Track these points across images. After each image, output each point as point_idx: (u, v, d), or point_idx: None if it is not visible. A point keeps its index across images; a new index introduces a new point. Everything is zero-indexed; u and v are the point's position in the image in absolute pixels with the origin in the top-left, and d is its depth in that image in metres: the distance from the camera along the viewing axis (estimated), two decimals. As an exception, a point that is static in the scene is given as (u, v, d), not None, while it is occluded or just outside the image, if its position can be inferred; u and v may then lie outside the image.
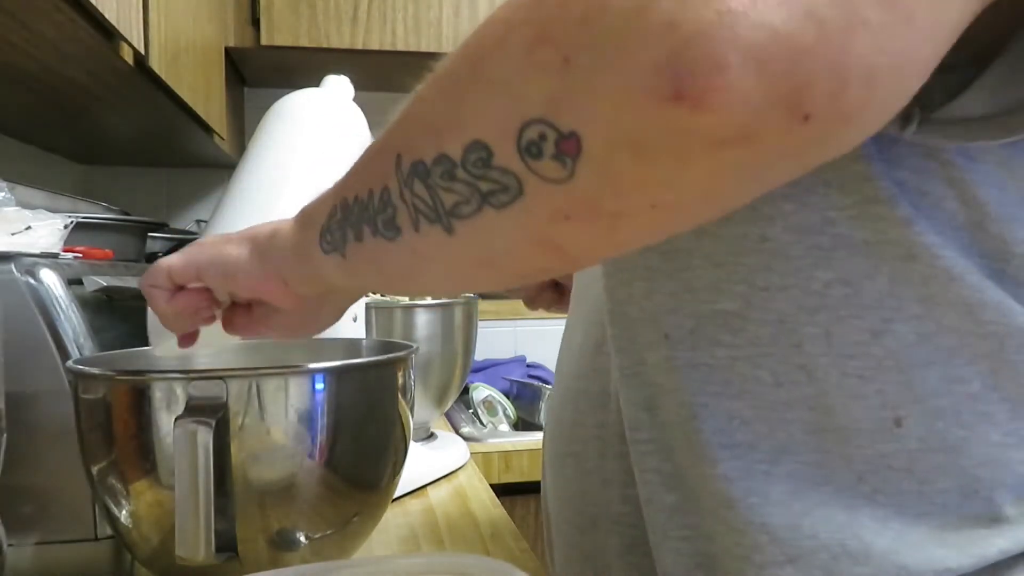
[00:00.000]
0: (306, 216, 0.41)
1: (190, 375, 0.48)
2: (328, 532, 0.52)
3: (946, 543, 0.36)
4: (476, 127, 0.27)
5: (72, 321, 0.59)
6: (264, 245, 0.44)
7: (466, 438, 1.13)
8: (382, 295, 1.05)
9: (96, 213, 0.88)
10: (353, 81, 0.84)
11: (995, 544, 0.36)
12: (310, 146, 0.76)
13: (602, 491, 0.48)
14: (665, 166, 0.24)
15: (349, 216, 0.35)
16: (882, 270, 0.35)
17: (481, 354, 1.54)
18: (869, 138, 0.31)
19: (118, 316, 0.68)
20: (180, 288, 0.48)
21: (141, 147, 1.39)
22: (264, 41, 1.31)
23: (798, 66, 0.21)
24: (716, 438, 0.39)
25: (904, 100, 0.25)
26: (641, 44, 0.22)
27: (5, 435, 0.52)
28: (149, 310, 0.62)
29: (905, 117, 0.32)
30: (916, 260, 0.34)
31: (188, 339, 0.52)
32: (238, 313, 0.50)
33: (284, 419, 0.50)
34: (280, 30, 1.31)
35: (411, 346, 0.59)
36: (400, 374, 0.56)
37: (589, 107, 0.24)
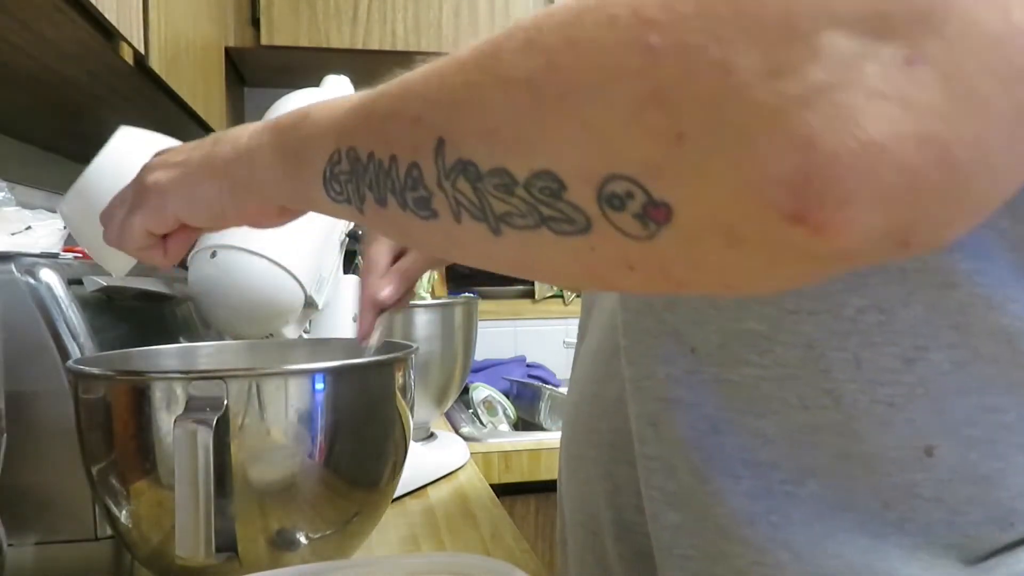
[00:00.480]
0: (291, 147, 0.38)
1: (190, 375, 0.48)
2: (328, 532, 0.52)
3: (977, 573, 0.35)
4: (552, 159, 0.25)
5: (72, 321, 0.59)
6: (239, 175, 0.41)
7: (466, 438, 1.13)
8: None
9: (96, 213, 0.87)
10: (353, 81, 0.84)
11: None
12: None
13: (614, 497, 0.47)
14: (755, 262, 0.23)
15: (362, 174, 0.33)
16: (918, 297, 0.34)
17: (481, 354, 1.54)
18: None
19: (118, 316, 0.68)
20: (164, 236, 0.46)
21: (141, 147, 1.39)
22: (264, 41, 1.31)
23: (921, 205, 0.21)
24: (738, 454, 0.38)
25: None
26: (772, 152, 0.21)
27: (5, 435, 0.52)
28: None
29: None
30: (954, 287, 0.33)
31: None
32: None
33: (284, 419, 0.50)
34: (280, 30, 1.31)
35: (411, 346, 0.59)
36: (400, 374, 0.56)
37: (693, 189, 0.22)
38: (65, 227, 0.68)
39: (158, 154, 0.46)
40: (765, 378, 0.37)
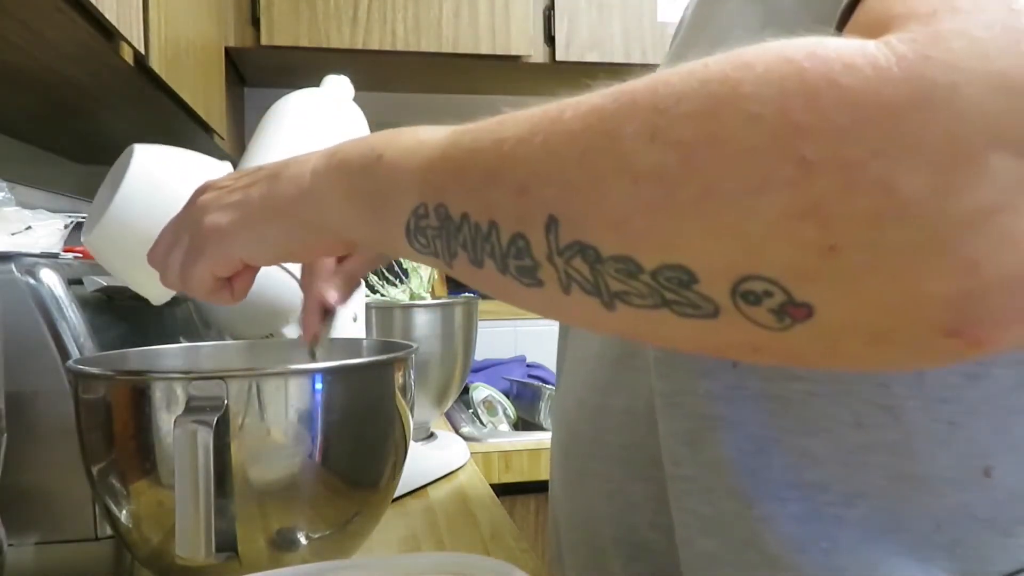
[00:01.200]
0: (365, 192, 0.36)
1: (190, 375, 0.48)
2: (328, 532, 0.52)
3: None
4: (685, 255, 0.24)
5: (72, 321, 0.59)
6: (313, 221, 0.39)
7: (466, 438, 1.13)
8: (382, 295, 1.05)
9: (96, 213, 0.88)
10: (353, 81, 0.84)
11: None
12: (310, 146, 0.75)
13: (626, 515, 0.45)
14: (896, 358, 0.24)
15: (454, 233, 0.31)
16: None
17: (481, 354, 1.54)
18: None
19: (118, 316, 0.68)
20: (230, 278, 0.44)
21: (141, 147, 1.39)
22: (264, 41, 1.31)
23: None
24: (785, 475, 0.36)
25: None
26: (935, 272, 0.21)
27: (5, 435, 0.52)
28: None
29: None
30: None
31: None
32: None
33: (284, 419, 0.50)
34: (280, 30, 1.31)
35: (411, 346, 0.59)
36: (400, 374, 0.56)
37: (841, 296, 0.22)
38: (66, 227, 0.68)
39: (204, 188, 0.44)
40: (816, 394, 0.36)
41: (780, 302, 0.23)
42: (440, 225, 0.32)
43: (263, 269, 0.55)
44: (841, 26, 0.27)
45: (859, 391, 0.35)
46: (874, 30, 0.23)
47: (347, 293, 0.54)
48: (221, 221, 0.42)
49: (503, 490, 1.04)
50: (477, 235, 0.30)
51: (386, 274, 1.07)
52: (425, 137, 0.34)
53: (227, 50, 1.31)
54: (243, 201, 0.42)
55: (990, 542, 0.34)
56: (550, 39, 1.45)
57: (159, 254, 0.45)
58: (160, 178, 0.56)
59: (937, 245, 0.21)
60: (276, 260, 0.43)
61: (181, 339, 0.77)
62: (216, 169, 0.61)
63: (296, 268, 0.67)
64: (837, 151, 0.21)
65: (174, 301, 0.79)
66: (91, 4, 0.62)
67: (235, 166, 0.73)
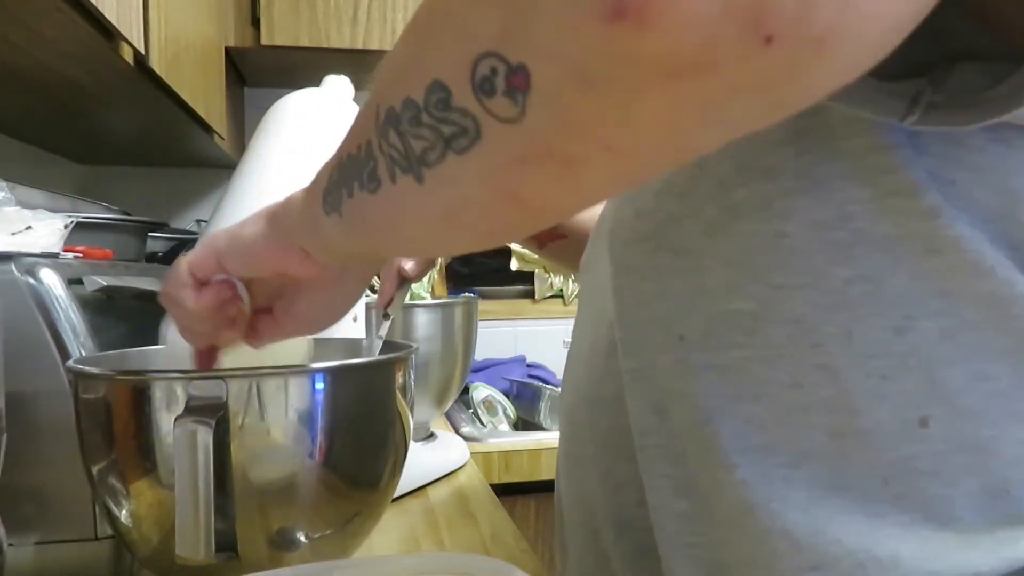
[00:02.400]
0: (313, 182, 0.40)
1: (190, 375, 0.48)
2: (328, 532, 0.52)
3: (976, 547, 0.35)
4: (434, 67, 0.25)
5: (72, 321, 0.59)
6: (278, 215, 0.43)
7: (466, 438, 1.13)
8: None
9: (96, 213, 0.88)
10: (353, 81, 0.84)
11: None
12: (310, 146, 0.75)
13: (615, 495, 0.47)
14: (615, 99, 0.21)
15: (344, 174, 0.34)
16: (903, 265, 0.34)
17: (481, 354, 1.54)
18: (897, 125, 0.31)
19: (118, 316, 0.68)
20: (203, 284, 0.46)
21: (141, 147, 1.39)
22: (264, 41, 1.31)
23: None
24: (733, 443, 0.38)
25: (887, 44, 0.21)
26: None
27: (5, 435, 0.52)
28: (165, 329, 0.61)
29: (913, 100, 0.31)
30: (939, 253, 0.33)
31: (206, 358, 0.50)
32: (260, 319, 0.49)
33: (284, 419, 0.50)
34: (280, 30, 1.31)
35: (411, 346, 0.59)
36: (400, 374, 0.56)
37: (535, 35, 0.21)
38: (66, 227, 0.68)
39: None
40: (754, 359, 0.37)
41: (504, 75, 0.23)
42: (339, 177, 0.35)
43: None
44: None
45: (793, 353, 0.36)
46: None
47: (423, 265, 0.61)
48: (217, 232, 0.47)
49: (503, 490, 1.04)
50: (351, 163, 0.33)
51: (386, 274, 1.07)
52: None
53: (227, 50, 1.31)
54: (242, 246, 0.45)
55: (935, 494, 0.35)
56: (550, 39, 1.45)
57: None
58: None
59: None
60: (242, 261, 0.45)
61: (181, 339, 0.77)
62: None
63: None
64: None
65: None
66: (91, 4, 0.62)
67: (234, 167, 0.74)
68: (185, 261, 0.46)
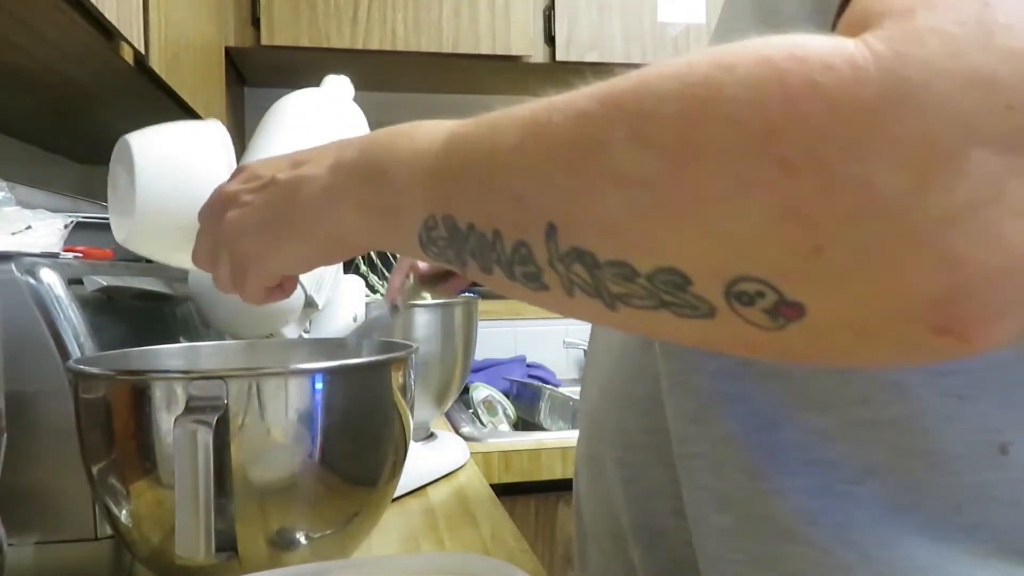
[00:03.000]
0: (377, 208, 0.38)
1: (190, 375, 0.48)
2: (328, 532, 0.52)
3: None
4: (677, 258, 0.25)
5: (72, 321, 0.59)
6: (336, 240, 0.41)
7: (466, 438, 1.13)
8: (382, 295, 1.05)
9: (96, 213, 0.88)
10: (353, 81, 0.84)
11: None
12: (310, 146, 0.75)
13: (648, 501, 0.45)
14: (886, 353, 0.24)
15: (463, 243, 0.32)
16: None
17: (481, 354, 1.54)
18: None
19: (118, 316, 0.68)
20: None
21: (141, 147, 1.39)
22: (264, 41, 1.31)
23: None
24: (794, 453, 0.36)
25: None
26: (919, 269, 0.21)
27: (5, 435, 0.52)
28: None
29: None
30: None
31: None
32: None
33: (284, 419, 0.50)
34: (280, 30, 1.31)
35: (411, 346, 0.59)
36: (400, 374, 0.56)
37: (830, 296, 0.23)
38: (66, 227, 0.68)
39: (225, 200, 0.45)
40: (823, 371, 0.35)
41: (773, 302, 0.24)
42: (449, 236, 0.33)
43: None
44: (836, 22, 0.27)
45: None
46: (857, 28, 0.23)
47: (437, 267, 0.59)
48: (253, 248, 0.44)
49: (503, 490, 1.04)
50: (483, 243, 0.31)
51: (386, 274, 1.07)
52: (422, 145, 0.35)
53: (227, 50, 1.31)
54: (268, 223, 0.43)
55: (1012, 524, 0.33)
56: (550, 39, 1.45)
57: (203, 260, 0.48)
58: (166, 155, 0.56)
59: (918, 243, 0.21)
60: (315, 267, 0.45)
61: (181, 339, 0.77)
62: (207, 129, 0.61)
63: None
64: (816, 152, 0.22)
65: (174, 301, 0.79)
66: (91, 4, 0.62)
67: (234, 167, 0.74)
68: (254, 287, 0.45)
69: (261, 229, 0.44)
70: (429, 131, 0.35)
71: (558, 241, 0.28)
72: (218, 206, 0.46)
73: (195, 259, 0.48)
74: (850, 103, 0.21)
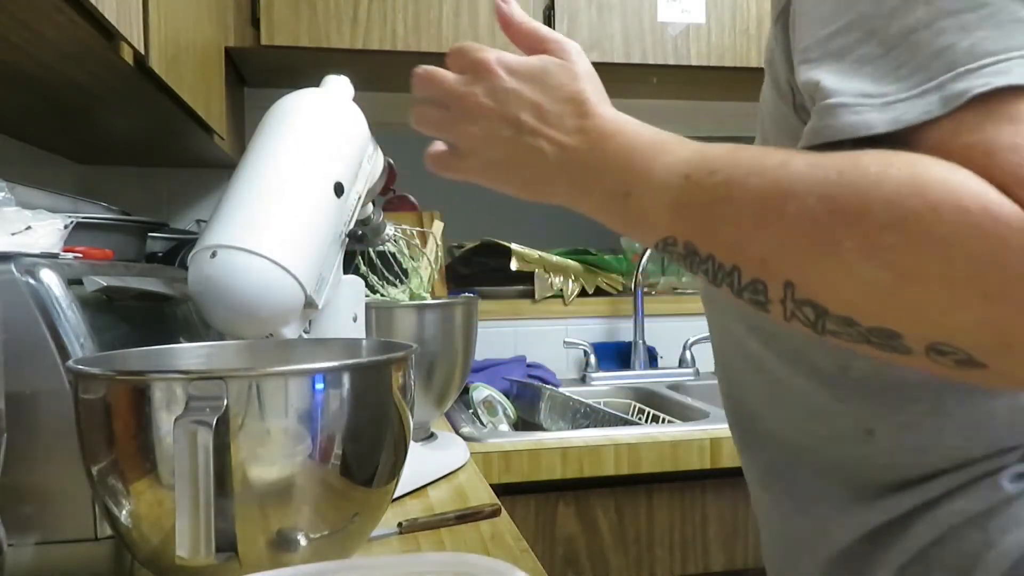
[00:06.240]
0: (618, 214, 0.48)
1: (190, 375, 0.48)
2: (328, 532, 0.52)
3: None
4: (897, 326, 0.36)
5: (72, 321, 0.59)
6: (554, 202, 0.52)
7: (466, 438, 1.13)
8: (382, 295, 1.05)
9: (96, 213, 0.88)
10: (353, 81, 0.84)
11: None
12: (310, 146, 0.75)
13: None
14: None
15: (698, 263, 0.43)
16: None
17: (481, 354, 1.54)
18: None
19: (118, 316, 0.68)
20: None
21: (141, 147, 1.39)
22: (264, 41, 1.31)
23: None
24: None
25: None
26: None
27: (5, 435, 0.52)
28: None
29: None
30: None
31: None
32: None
33: (284, 419, 0.50)
34: (280, 30, 1.31)
35: (411, 346, 0.59)
36: (400, 374, 0.56)
37: (1007, 364, 0.36)
38: (66, 227, 0.68)
39: (467, 101, 0.53)
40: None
41: (962, 359, 0.36)
42: (686, 253, 0.44)
43: (264, 269, 0.57)
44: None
45: None
46: (977, 163, 0.34)
47: None
48: (476, 168, 0.54)
49: (503, 490, 1.04)
50: (720, 270, 0.42)
51: (386, 274, 1.07)
52: (663, 177, 0.45)
53: (227, 50, 1.31)
54: (499, 166, 0.53)
55: (866, 471, 0.52)
56: (550, 39, 1.44)
57: (427, 126, 0.56)
58: None
59: None
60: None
61: (181, 339, 0.77)
62: None
63: (296, 267, 0.67)
64: (1012, 291, 0.33)
65: (174, 301, 0.79)
66: (91, 4, 0.62)
67: (234, 167, 0.74)
68: (448, 153, 0.56)
69: (491, 164, 0.53)
70: (669, 160, 0.45)
71: (795, 293, 0.38)
72: (456, 100, 0.54)
73: (419, 122, 0.56)
74: None
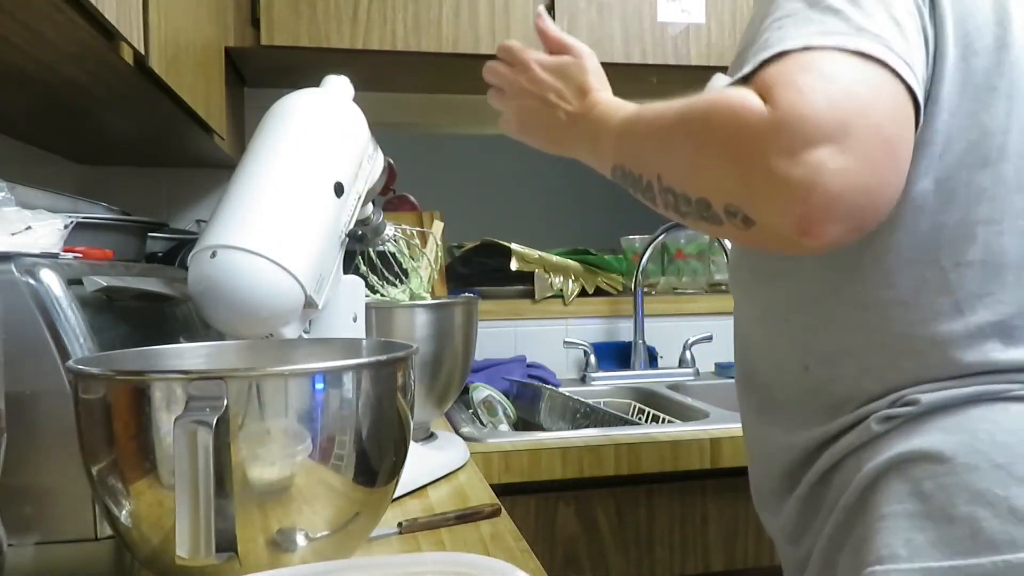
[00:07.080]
0: (595, 151, 0.73)
1: (190, 375, 0.48)
2: (328, 532, 0.52)
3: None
4: (704, 191, 0.56)
5: (72, 321, 0.59)
6: (572, 155, 0.80)
7: (466, 438, 1.13)
8: (382, 295, 1.05)
9: (96, 213, 0.88)
10: (353, 81, 0.84)
11: None
12: (310, 146, 0.76)
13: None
14: (787, 246, 0.56)
15: (632, 182, 0.66)
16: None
17: (481, 354, 1.54)
18: None
19: (118, 316, 0.68)
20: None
21: (141, 147, 1.39)
22: (264, 41, 1.31)
23: (862, 215, 0.53)
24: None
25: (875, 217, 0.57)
26: (792, 202, 0.51)
27: (5, 435, 0.52)
28: None
29: None
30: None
31: None
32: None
33: (284, 419, 0.50)
34: (280, 30, 1.31)
35: (411, 346, 0.59)
36: (400, 374, 0.56)
37: (762, 216, 0.54)
38: (66, 227, 0.68)
39: (531, 87, 0.81)
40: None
41: (742, 217, 0.54)
42: (625, 175, 0.67)
43: (264, 269, 0.57)
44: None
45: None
46: (756, 87, 0.54)
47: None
48: (527, 130, 0.84)
49: (503, 490, 1.04)
50: (639, 184, 0.65)
51: (386, 274, 1.07)
52: (613, 126, 0.70)
53: (227, 50, 1.31)
54: (544, 130, 0.82)
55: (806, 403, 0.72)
56: (550, 39, 1.44)
57: (497, 102, 0.86)
58: None
59: (797, 197, 0.51)
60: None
61: (181, 339, 0.77)
62: None
63: (296, 267, 0.67)
64: (746, 150, 0.53)
65: (174, 301, 0.79)
66: (91, 4, 0.62)
67: (234, 167, 0.74)
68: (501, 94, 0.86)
69: (529, 126, 0.83)
70: (619, 112, 0.71)
71: (663, 183, 0.60)
72: (508, 85, 0.83)
73: (490, 100, 0.86)
74: (760, 131, 0.53)
